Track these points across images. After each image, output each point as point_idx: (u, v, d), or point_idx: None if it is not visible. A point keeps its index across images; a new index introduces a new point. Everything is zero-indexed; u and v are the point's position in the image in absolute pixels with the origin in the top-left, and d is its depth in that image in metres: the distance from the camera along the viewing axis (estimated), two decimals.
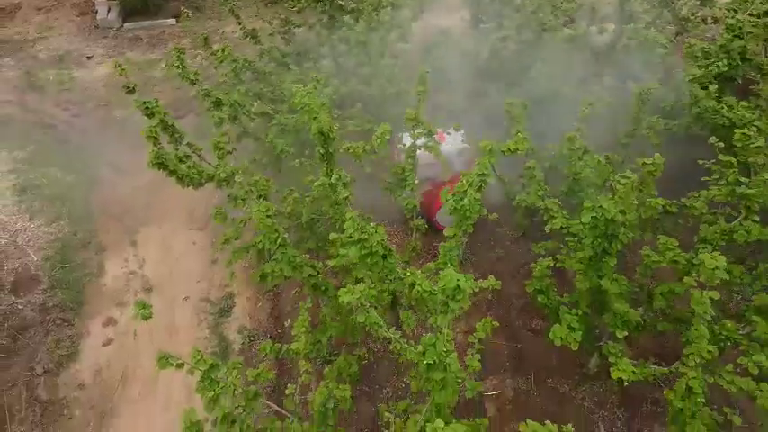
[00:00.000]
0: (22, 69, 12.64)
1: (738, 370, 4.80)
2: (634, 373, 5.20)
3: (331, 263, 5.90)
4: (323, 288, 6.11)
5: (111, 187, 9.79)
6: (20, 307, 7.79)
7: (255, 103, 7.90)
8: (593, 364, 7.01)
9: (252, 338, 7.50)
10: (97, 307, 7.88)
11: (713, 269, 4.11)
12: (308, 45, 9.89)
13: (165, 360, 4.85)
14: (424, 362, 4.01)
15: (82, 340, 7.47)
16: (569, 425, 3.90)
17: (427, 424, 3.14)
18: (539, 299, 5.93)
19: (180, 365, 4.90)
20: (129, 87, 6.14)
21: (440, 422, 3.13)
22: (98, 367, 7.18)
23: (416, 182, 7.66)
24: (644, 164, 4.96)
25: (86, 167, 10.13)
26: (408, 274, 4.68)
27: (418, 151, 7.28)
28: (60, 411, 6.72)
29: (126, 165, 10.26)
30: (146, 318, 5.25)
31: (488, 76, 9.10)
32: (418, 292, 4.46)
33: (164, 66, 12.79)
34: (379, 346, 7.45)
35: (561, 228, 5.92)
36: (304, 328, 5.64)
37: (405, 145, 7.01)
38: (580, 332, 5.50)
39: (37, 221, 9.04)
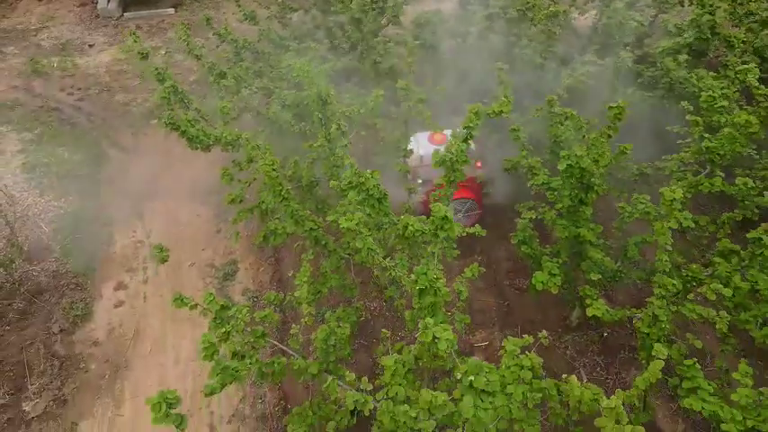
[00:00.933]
0: (26, 57, 13.03)
1: (699, 299, 5.32)
2: (608, 311, 5.69)
3: (330, 217, 6.37)
4: (323, 243, 6.58)
5: (117, 165, 10.22)
6: (34, 274, 8.21)
7: (257, 80, 8.36)
8: (574, 316, 7.52)
9: (256, 299, 7.95)
10: (108, 273, 8.31)
11: (671, 201, 4.62)
12: (305, 28, 10.35)
13: (180, 300, 5.29)
14: (417, 287, 4.48)
15: (95, 302, 7.90)
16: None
17: (421, 321, 3.60)
18: (522, 248, 6.43)
19: (193, 306, 5.35)
20: (142, 54, 6.53)
21: (430, 320, 3.61)
22: (111, 326, 7.61)
23: (420, 182, 7.93)
24: (609, 107, 5.44)
25: (92, 147, 10.54)
26: (402, 218, 5.17)
27: (423, 150, 7.78)
28: (77, 365, 7.14)
29: (130, 145, 10.73)
30: (163, 261, 5.73)
31: (476, 56, 9.59)
32: (411, 232, 4.96)
33: (163, 53, 13.23)
34: (375, 305, 7.92)
35: (543, 183, 6.41)
36: (306, 278, 6.09)
37: (411, 150, 7.21)
38: (559, 278, 5.99)
39: (47, 197, 9.46)
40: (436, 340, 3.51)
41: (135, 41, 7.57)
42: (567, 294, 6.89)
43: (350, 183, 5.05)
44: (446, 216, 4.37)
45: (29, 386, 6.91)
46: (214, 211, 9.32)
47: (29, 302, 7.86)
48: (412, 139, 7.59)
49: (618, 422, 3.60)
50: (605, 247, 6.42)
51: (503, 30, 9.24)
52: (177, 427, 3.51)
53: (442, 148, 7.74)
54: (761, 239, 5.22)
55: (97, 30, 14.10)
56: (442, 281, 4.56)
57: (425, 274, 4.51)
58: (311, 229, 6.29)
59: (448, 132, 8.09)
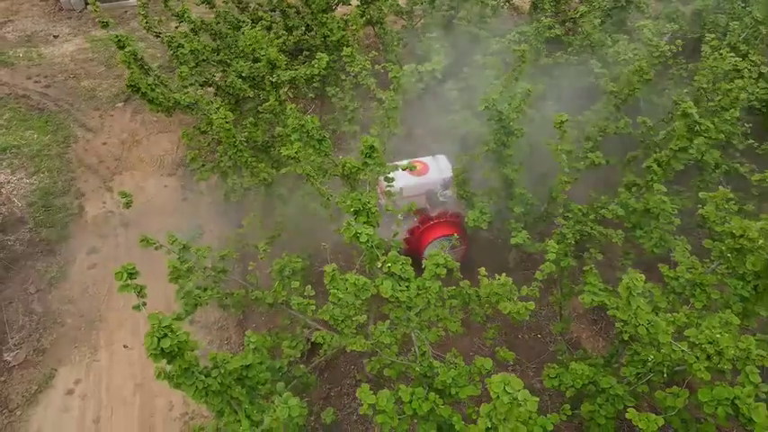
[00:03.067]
0: None
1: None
2: (528, 240, 6.49)
3: (282, 171, 7.06)
4: (277, 194, 7.26)
5: (85, 145, 10.72)
6: (9, 243, 8.70)
7: (213, 55, 8.97)
8: (511, 258, 8.33)
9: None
10: (81, 240, 8.84)
11: (560, 123, 5.43)
12: (261, 12, 10.97)
13: (145, 241, 5.91)
14: (351, 209, 5.19)
15: (68, 266, 8.43)
16: None
17: (345, 220, 4.32)
18: (458, 191, 7.20)
19: (158, 247, 5.98)
20: (104, 22, 7.09)
21: (352, 220, 4.33)
22: (85, 286, 8.16)
23: (400, 217, 7.14)
24: (514, 50, 6.24)
25: (60, 129, 11.01)
26: (341, 158, 5.88)
27: (402, 182, 7.03)
28: (54, 320, 7.68)
29: (96, 126, 11.23)
30: (127, 205, 6.35)
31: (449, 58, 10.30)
32: (349, 168, 5.68)
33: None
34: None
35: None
36: (259, 222, 6.80)
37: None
38: (489, 215, 6.77)
39: (19, 175, 9.93)
40: (358, 235, 4.23)
41: (104, 26, 8.01)
42: (504, 238, 7.66)
43: (293, 127, 5.73)
44: (372, 146, 5.10)
45: (9, 340, 7.43)
46: (180, 182, 9.90)
47: (6, 269, 8.35)
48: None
49: (510, 299, 4.38)
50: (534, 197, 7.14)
51: (445, 3, 10.01)
52: (138, 296, 4.17)
53: (424, 180, 7.47)
54: (650, 167, 6.08)
55: (61, 21, 14.50)
56: (373, 202, 5.28)
57: (359, 198, 5.23)
58: (264, 179, 6.97)
59: (429, 161, 7.75)
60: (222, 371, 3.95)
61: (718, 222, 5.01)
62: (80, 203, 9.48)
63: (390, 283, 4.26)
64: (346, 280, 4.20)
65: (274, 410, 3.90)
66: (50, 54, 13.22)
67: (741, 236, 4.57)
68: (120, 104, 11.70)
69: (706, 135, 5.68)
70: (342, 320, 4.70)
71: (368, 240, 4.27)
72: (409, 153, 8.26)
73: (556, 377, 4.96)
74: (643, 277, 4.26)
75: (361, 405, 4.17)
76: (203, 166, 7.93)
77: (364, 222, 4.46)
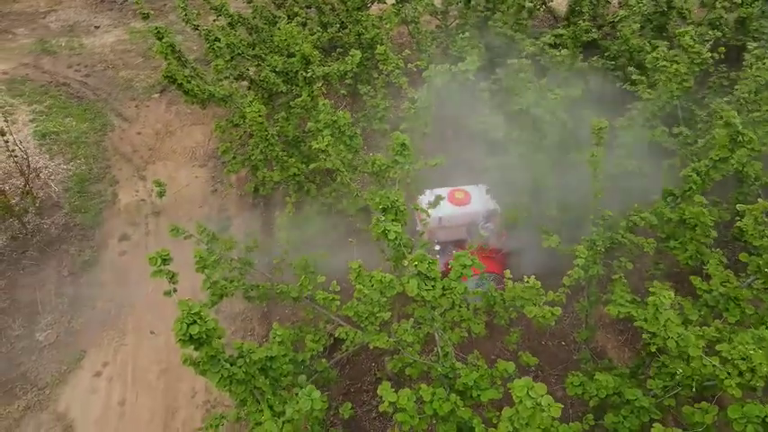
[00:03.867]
0: (35, 38, 13.81)
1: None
2: (560, 245, 6.40)
3: (312, 166, 7.11)
4: (306, 189, 7.32)
5: (120, 133, 10.97)
6: (45, 226, 8.96)
7: (249, 50, 9.09)
8: None
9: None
10: (113, 226, 9.06)
11: (598, 129, 5.34)
12: (297, 9, 11.07)
13: (175, 230, 6.02)
14: (380, 207, 5.19)
15: (101, 251, 8.64)
16: None
17: (374, 216, 4.33)
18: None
19: (188, 236, 6.08)
20: (144, 13, 7.23)
21: (381, 216, 4.33)
22: (116, 271, 8.36)
23: (438, 248, 6.93)
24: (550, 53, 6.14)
25: (97, 117, 11.29)
26: (371, 155, 5.90)
27: (442, 211, 6.45)
28: (85, 303, 7.89)
29: (132, 116, 11.49)
30: (161, 195, 6.48)
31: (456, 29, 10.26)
32: (378, 165, 5.69)
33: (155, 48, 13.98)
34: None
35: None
36: (286, 219, 6.86)
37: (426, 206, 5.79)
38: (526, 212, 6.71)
39: (57, 160, 10.22)
40: (387, 232, 4.23)
41: (144, 17, 8.19)
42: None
43: (325, 122, 5.78)
44: (404, 143, 5.10)
45: (41, 320, 7.65)
46: (211, 173, 10.06)
47: (41, 251, 8.61)
48: (425, 195, 6.52)
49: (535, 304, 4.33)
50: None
51: (480, 4, 9.94)
52: (170, 281, 4.25)
53: (465, 210, 6.77)
54: (690, 176, 5.93)
55: (102, 13, 14.88)
56: (401, 200, 5.29)
57: (388, 196, 5.24)
58: (294, 174, 7.03)
59: (472, 190, 7.17)
60: (247, 360, 4.00)
61: (756, 236, 4.87)
62: (114, 191, 9.70)
63: (416, 282, 4.24)
64: (372, 277, 4.20)
65: (297, 402, 3.93)
66: (91, 44, 13.57)
67: None
68: (155, 95, 11.94)
69: (749, 146, 5.52)
70: (365, 317, 4.72)
71: (396, 238, 4.27)
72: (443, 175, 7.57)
73: (580, 385, 4.89)
74: (672, 294, 4.16)
75: (382, 402, 4.18)
76: (234, 158, 8.05)
77: (393, 220, 4.45)
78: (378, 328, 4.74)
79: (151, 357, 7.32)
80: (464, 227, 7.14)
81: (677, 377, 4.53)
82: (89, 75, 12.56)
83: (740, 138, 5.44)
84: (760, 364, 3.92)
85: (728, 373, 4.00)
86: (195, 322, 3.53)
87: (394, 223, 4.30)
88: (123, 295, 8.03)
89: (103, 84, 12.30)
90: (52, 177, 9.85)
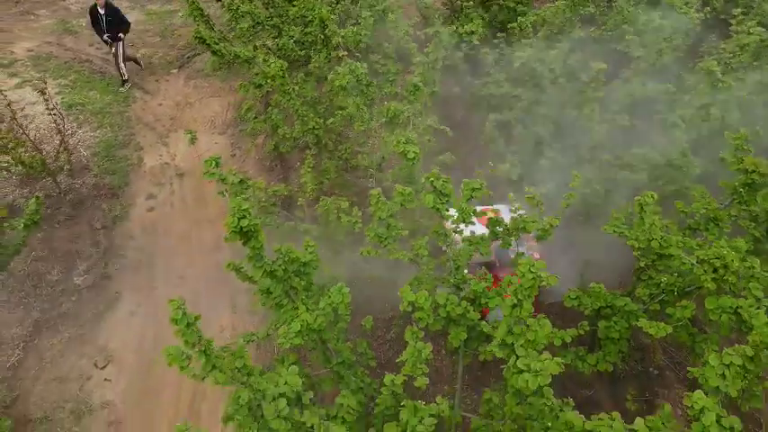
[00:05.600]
0: (56, 18, 14.41)
1: None
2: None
3: (330, 121, 7.69)
4: (324, 142, 7.91)
5: (142, 105, 11.57)
6: (77, 186, 9.56)
7: (268, 20, 9.66)
8: None
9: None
10: (140, 186, 9.66)
11: None
12: None
13: (209, 172, 6.59)
14: (387, 116, 5.75)
15: (130, 208, 9.25)
16: None
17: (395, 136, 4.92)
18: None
19: (221, 177, 6.66)
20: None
21: (401, 137, 4.92)
22: (144, 225, 8.96)
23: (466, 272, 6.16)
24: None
25: (120, 91, 11.89)
26: (386, 103, 6.49)
27: (469, 230, 5.44)
28: (117, 252, 8.48)
29: (153, 89, 12.09)
30: (192, 141, 7.07)
31: None
32: (393, 111, 6.29)
33: (180, 15, 14.56)
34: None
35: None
36: (310, 168, 7.46)
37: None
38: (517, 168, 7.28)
39: (84, 128, 10.82)
40: (406, 151, 4.82)
41: None
42: None
43: (344, 72, 6.37)
44: (416, 84, 5.68)
45: (78, 266, 8.25)
46: (230, 140, 10.66)
47: (73, 208, 9.21)
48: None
49: None
50: None
51: None
52: (222, 182, 4.86)
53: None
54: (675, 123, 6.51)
55: None
56: (407, 113, 5.84)
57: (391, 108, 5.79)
58: (313, 128, 7.62)
59: (503, 209, 6.10)
60: (286, 259, 4.58)
61: (735, 164, 5.44)
62: (139, 155, 10.30)
63: (432, 197, 4.84)
64: (393, 196, 4.79)
65: (329, 296, 4.52)
66: None
67: (753, 171, 5.02)
68: (174, 71, 12.54)
69: (727, 93, 6.11)
70: (385, 237, 5.31)
71: (414, 157, 4.86)
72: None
73: (576, 298, 5.47)
74: (655, 195, 4.73)
75: (401, 304, 4.75)
76: (256, 118, 8.63)
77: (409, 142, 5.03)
78: (396, 247, 5.32)
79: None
80: (493, 249, 6.20)
81: (662, 285, 5.13)
82: (110, 53, 13.11)
83: (719, 84, 6.03)
84: (732, 261, 4.52)
85: (705, 270, 4.59)
86: (245, 216, 4.11)
87: (412, 144, 4.88)
88: (153, 246, 8.63)
89: None
90: (80, 144, 10.45)
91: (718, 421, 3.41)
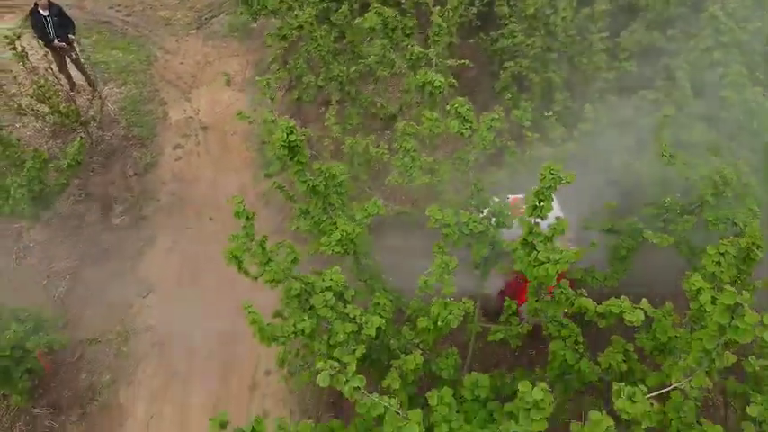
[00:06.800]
0: None
1: None
2: None
3: (353, 68, 8.12)
4: (347, 90, 8.34)
5: (164, 64, 11.97)
6: (107, 138, 10.04)
7: None
8: None
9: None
10: (167, 137, 10.13)
11: None
12: None
13: (241, 114, 7.06)
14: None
15: (159, 157, 9.73)
16: None
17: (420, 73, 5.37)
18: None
19: (252, 121, 7.13)
20: None
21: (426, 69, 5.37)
22: (173, 173, 9.45)
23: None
24: None
25: (142, 50, 12.29)
26: (410, 46, 6.91)
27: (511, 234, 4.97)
28: (150, 196, 9.00)
29: (174, 48, 12.48)
30: (228, 83, 7.53)
31: None
32: (416, 55, 6.72)
33: None
34: None
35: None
36: (334, 112, 7.91)
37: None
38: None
39: (109, 85, 11.25)
40: (432, 81, 5.28)
41: None
42: None
43: (371, 16, 6.78)
44: (440, 24, 6.11)
45: (115, 209, 8.78)
46: (250, 96, 11.08)
47: (106, 158, 9.70)
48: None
49: None
50: None
51: None
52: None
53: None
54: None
55: None
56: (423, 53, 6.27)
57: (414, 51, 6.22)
58: (337, 75, 8.04)
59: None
60: (327, 175, 5.07)
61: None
62: (164, 110, 10.75)
63: (457, 123, 5.30)
64: (422, 121, 5.25)
65: (365, 209, 5.03)
66: None
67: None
68: (193, 31, 12.91)
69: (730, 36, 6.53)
70: (410, 167, 5.78)
71: (440, 86, 5.31)
72: None
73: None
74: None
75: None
76: (279, 70, 9.05)
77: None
78: (421, 174, 5.80)
79: (211, 239, 8.43)
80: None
81: (666, 204, 5.62)
82: (130, 15, 13.51)
83: (721, 26, 6.45)
84: (729, 175, 5.00)
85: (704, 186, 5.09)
86: (293, 132, 4.59)
87: (438, 75, 5.33)
88: (183, 191, 9.15)
89: (144, 22, 13.25)
90: (107, 98, 10.88)
91: (712, 302, 3.93)
